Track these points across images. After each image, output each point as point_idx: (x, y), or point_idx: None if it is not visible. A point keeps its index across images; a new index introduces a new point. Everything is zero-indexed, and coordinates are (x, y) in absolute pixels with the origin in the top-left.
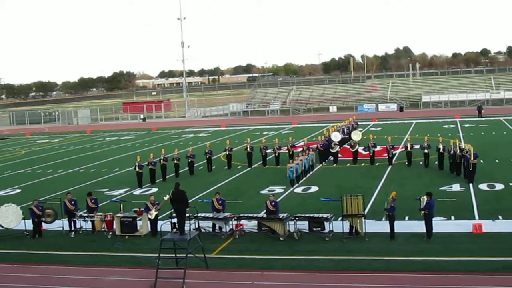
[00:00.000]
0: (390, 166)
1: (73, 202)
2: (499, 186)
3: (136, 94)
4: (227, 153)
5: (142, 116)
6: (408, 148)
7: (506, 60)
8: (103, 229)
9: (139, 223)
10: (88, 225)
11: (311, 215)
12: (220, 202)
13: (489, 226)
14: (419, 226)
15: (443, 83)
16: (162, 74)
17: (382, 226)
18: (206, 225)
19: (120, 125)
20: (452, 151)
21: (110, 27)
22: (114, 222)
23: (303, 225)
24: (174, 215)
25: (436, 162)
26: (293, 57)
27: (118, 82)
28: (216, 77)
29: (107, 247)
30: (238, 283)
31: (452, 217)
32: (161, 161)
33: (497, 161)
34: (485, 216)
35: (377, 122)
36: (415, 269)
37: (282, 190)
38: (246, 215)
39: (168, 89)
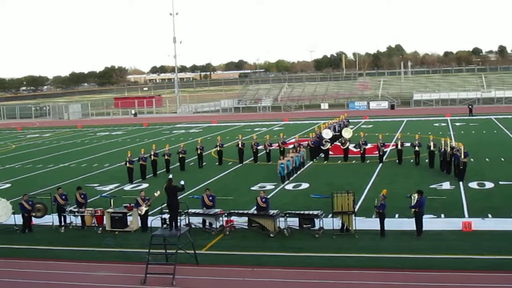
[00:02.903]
0: (380, 164)
1: (64, 197)
2: (489, 185)
3: (127, 89)
4: (218, 149)
5: (133, 112)
6: (399, 146)
7: (498, 59)
8: (93, 224)
9: (129, 218)
10: (78, 220)
11: (302, 212)
12: (210, 198)
13: (479, 224)
14: (409, 224)
15: (435, 81)
16: (154, 70)
17: (372, 224)
18: (197, 221)
19: (111, 120)
20: (442, 150)
21: (102, 22)
22: (104, 217)
23: (294, 222)
24: (165, 211)
25: (427, 160)
26: (285, 53)
27: (110, 77)
28: (208, 73)
29: (97, 242)
30: (228, 279)
31: (442, 215)
32: (152, 156)
33: (487, 159)
34: (474, 214)
35: (368, 120)
36: (405, 267)
37: (273, 187)
38: (236, 211)
39: (160, 85)
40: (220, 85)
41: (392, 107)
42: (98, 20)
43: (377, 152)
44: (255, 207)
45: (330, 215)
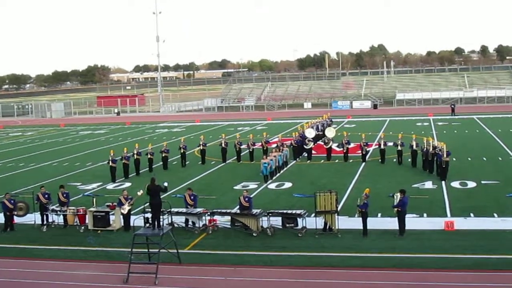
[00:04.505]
0: (363, 163)
1: (46, 196)
2: (471, 184)
3: (110, 88)
4: (201, 148)
5: (116, 110)
6: (382, 146)
7: (480, 59)
8: (75, 223)
9: (112, 217)
10: (60, 219)
11: (285, 211)
12: (192, 197)
13: (461, 223)
14: (391, 223)
15: (417, 81)
16: (137, 68)
17: (355, 223)
18: (179, 220)
19: (94, 119)
20: (425, 149)
21: (85, 20)
22: (87, 216)
23: (277, 221)
24: (147, 210)
25: (409, 160)
26: (268, 53)
27: (93, 76)
28: (191, 72)
29: (79, 241)
30: (210, 279)
31: (425, 214)
32: (135, 155)
33: (469, 159)
34: (457, 213)
35: (351, 119)
36: (388, 266)
37: (256, 186)
38: (219, 210)
39: (143, 84)
40: (203, 84)
41: (375, 106)
42: (81, 18)
43: (360, 151)
44: (238, 206)
45: (313, 215)
